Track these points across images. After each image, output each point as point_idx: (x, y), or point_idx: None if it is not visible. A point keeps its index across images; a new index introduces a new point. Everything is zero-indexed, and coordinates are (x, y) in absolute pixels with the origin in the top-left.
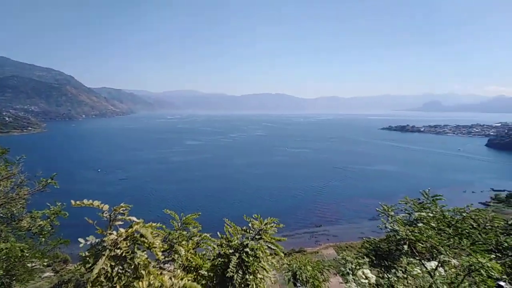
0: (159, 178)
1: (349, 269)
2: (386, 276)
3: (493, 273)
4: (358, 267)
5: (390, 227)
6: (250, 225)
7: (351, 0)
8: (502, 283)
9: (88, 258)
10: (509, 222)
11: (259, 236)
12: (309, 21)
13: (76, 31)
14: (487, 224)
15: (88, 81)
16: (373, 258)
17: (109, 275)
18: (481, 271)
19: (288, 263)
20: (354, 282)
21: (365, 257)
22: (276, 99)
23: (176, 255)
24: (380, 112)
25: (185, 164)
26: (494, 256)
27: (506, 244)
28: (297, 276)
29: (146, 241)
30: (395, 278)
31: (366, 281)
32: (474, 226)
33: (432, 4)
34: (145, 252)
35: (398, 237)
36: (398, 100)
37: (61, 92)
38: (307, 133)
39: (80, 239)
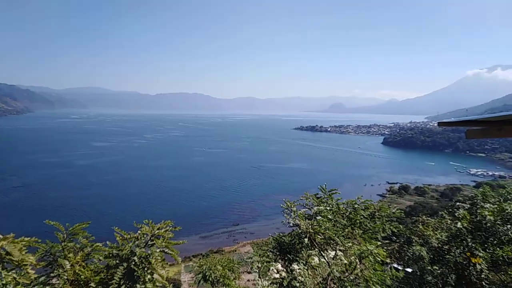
0: (62, 184)
1: (256, 267)
2: (289, 269)
3: (379, 258)
4: (264, 264)
5: (292, 222)
6: (139, 232)
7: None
8: (395, 265)
9: None
10: (393, 210)
11: (152, 242)
12: (225, 22)
13: None
14: (376, 214)
15: None
16: (278, 253)
17: None
18: (370, 257)
19: (199, 265)
20: (260, 279)
21: (270, 253)
22: (193, 99)
23: (61, 270)
24: (292, 113)
25: (93, 167)
26: (380, 243)
27: (389, 231)
28: (207, 277)
29: (13, 258)
30: (298, 271)
31: (278, 275)
32: (365, 216)
33: (337, 13)
34: (13, 271)
35: (300, 231)
36: (308, 102)
37: None
38: (224, 133)
39: None
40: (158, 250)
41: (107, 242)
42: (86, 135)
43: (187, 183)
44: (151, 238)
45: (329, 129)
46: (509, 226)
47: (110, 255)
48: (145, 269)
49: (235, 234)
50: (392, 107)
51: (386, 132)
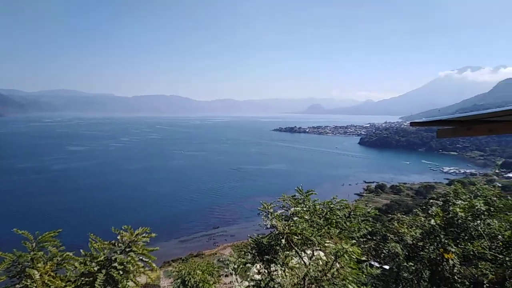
0: (37, 190)
1: (232, 269)
2: (267, 270)
3: (354, 256)
4: (241, 266)
5: (270, 224)
6: (119, 237)
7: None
8: (373, 262)
9: None
10: (368, 210)
11: (130, 249)
12: (210, 26)
13: None
14: (351, 213)
15: None
16: (256, 254)
17: None
18: (345, 256)
19: (178, 269)
20: (237, 281)
21: (248, 254)
22: (171, 101)
23: (29, 280)
24: (271, 114)
25: (68, 172)
26: (355, 241)
27: (365, 230)
28: (186, 282)
29: None
30: (275, 272)
31: (259, 276)
32: (341, 215)
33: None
34: None
35: (277, 232)
36: (286, 104)
37: None
38: (203, 136)
39: None
40: (136, 257)
41: (81, 251)
42: (61, 139)
43: (166, 187)
44: (129, 244)
45: (307, 130)
46: (479, 221)
47: (86, 262)
48: (124, 275)
49: (215, 237)
50: (368, 108)
51: (363, 133)
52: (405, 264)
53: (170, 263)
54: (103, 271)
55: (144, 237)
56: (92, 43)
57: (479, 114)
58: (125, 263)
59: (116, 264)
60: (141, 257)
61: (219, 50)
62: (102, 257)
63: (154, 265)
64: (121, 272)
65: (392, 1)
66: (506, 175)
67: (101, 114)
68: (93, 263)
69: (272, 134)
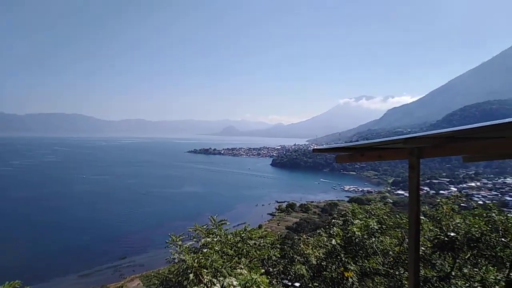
0: None
1: None
2: None
3: (263, 287)
4: None
5: (178, 257)
6: None
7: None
8: (286, 281)
9: None
10: (276, 237)
11: None
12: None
13: None
14: (261, 242)
15: None
16: None
17: None
18: (254, 286)
19: None
20: None
21: None
22: (72, 120)
23: None
24: (186, 136)
25: None
26: (264, 271)
27: (274, 257)
28: None
29: None
30: None
31: None
32: (251, 244)
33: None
34: None
35: (185, 266)
36: (201, 125)
37: None
38: (111, 158)
39: None
40: None
41: None
42: None
43: (64, 215)
44: None
45: (222, 152)
46: (373, 239)
47: None
48: None
49: (122, 268)
50: (279, 130)
51: (275, 154)
52: (311, 284)
53: None
54: None
55: None
56: None
57: (371, 142)
58: None
59: None
60: None
61: (129, 67)
62: None
63: None
64: None
65: (309, 44)
66: (396, 192)
67: None
68: None
69: (186, 156)
